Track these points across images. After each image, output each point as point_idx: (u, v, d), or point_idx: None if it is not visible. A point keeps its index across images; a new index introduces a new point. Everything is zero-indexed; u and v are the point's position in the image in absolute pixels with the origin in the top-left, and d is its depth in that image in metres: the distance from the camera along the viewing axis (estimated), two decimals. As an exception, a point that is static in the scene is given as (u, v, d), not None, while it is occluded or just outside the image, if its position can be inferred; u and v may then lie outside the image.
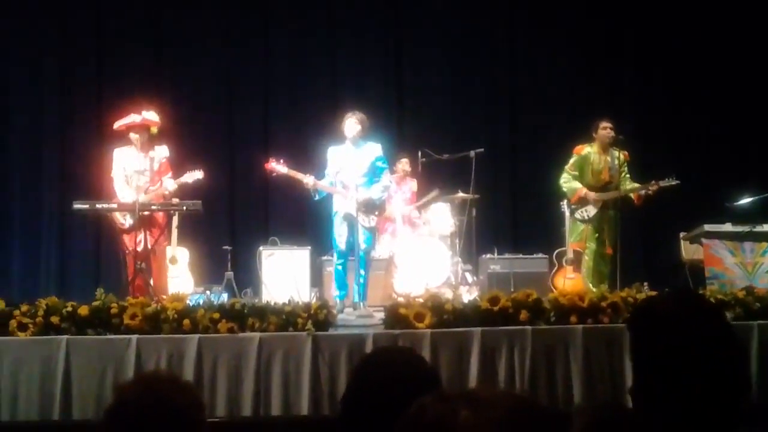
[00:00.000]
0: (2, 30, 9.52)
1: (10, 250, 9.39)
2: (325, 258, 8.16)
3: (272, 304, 6.05)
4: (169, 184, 7.38)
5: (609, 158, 7.89)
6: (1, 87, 9.53)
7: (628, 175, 7.89)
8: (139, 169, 7.36)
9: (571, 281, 8.03)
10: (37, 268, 9.38)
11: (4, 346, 5.55)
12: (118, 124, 7.41)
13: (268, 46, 10.15)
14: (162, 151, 7.44)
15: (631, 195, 7.79)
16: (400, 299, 6.25)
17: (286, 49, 10.13)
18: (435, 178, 9.05)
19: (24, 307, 5.76)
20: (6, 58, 9.53)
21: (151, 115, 7.39)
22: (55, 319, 5.69)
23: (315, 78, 10.14)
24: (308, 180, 7.33)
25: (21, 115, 9.62)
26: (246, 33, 10.15)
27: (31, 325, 5.67)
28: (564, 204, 8.25)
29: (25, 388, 5.46)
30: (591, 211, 7.83)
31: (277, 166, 7.50)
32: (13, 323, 5.66)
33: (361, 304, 7.19)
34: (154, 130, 7.39)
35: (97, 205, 7.17)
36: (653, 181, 7.75)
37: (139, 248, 7.16)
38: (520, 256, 8.62)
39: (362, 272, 7.37)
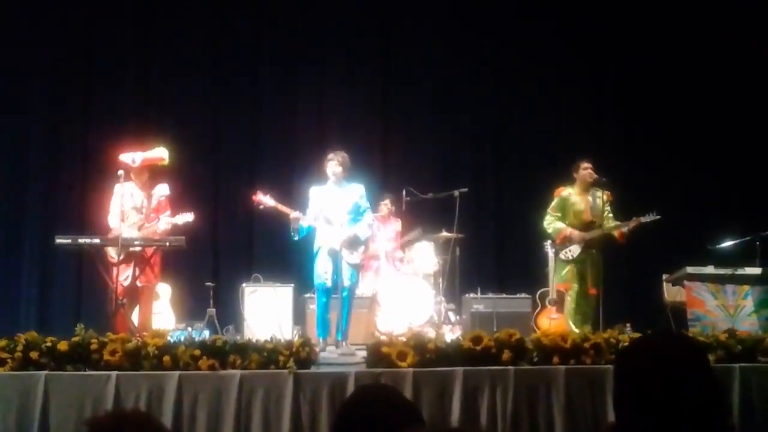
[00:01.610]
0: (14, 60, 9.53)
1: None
2: (308, 295, 8.14)
3: (254, 341, 6.01)
4: (161, 224, 7.38)
5: (590, 198, 7.93)
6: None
7: (610, 215, 7.93)
8: (137, 206, 7.36)
9: (554, 322, 8.03)
10: (17, 302, 9.30)
11: (-18, 380, 5.48)
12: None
13: (256, 84, 10.20)
14: (162, 189, 7.45)
15: (614, 233, 7.82)
16: (383, 338, 6.22)
17: (274, 87, 10.17)
18: (419, 217, 9.08)
19: (2, 342, 5.70)
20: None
21: (161, 152, 7.42)
22: (34, 355, 5.63)
23: (302, 116, 10.18)
24: (295, 214, 7.33)
25: (4, 147, 9.60)
26: (233, 70, 10.20)
27: (9, 360, 5.60)
28: (548, 245, 8.27)
29: (2, 424, 5.38)
30: (575, 251, 7.85)
31: (264, 198, 7.51)
32: (-9, 358, 5.60)
33: (344, 342, 7.16)
34: (164, 162, 7.41)
35: (80, 240, 7.14)
36: (634, 218, 7.79)
37: (126, 283, 7.13)
38: (504, 295, 8.63)
39: (345, 310, 7.35)
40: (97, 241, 7.15)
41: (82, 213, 7.55)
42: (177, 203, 7.63)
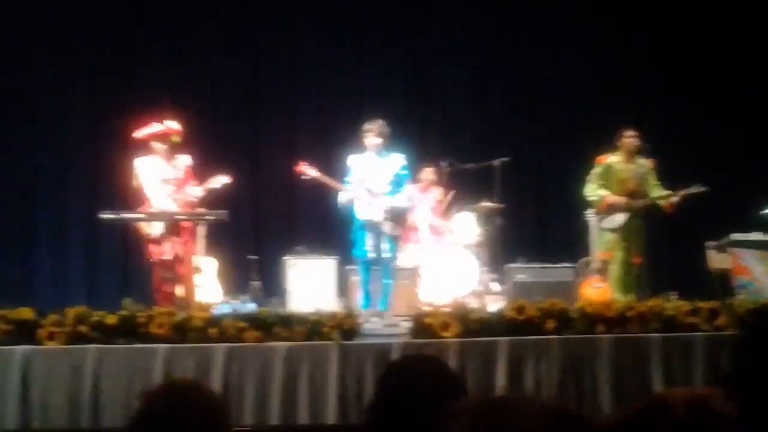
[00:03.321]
0: (30, 39, 9.61)
1: (38, 259, 9.48)
2: (350, 267, 8.17)
3: (298, 313, 6.06)
4: (195, 191, 7.42)
5: (635, 167, 7.85)
6: (30, 98, 9.63)
7: (657, 183, 7.84)
8: (165, 178, 7.41)
9: (597, 290, 7.98)
10: (66, 278, 9.46)
11: (35, 354, 5.59)
12: (139, 134, 7.43)
13: (295, 53, 10.19)
14: (184, 160, 7.48)
15: (661, 203, 7.73)
16: (427, 308, 6.24)
17: (313, 56, 10.17)
18: (459, 187, 9.05)
19: (53, 317, 5.80)
20: (34, 68, 9.63)
21: (172, 124, 7.43)
22: (83, 329, 5.73)
23: (341, 85, 10.17)
24: (340, 187, 7.33)
25: (48, 125, 9.72)
26: (273, 39, 10.19)
27: (60, 334, 5.71)
28: (589, 213, 8.21)
29: (55, 396, 5.50)
30: (619, 219, 7.78)
31: (308, 169, 7.52)
32: (42, 332, 5.71)
33: (387, 313, 7.20)
34: (176, 138, 7.42)
35: (124, 215, 7.23)
36: (682, 190, 7.69)
37: (166, 257, 7.21)
38: (547, 265, 8.59)
39: (387, 281, 7.38)
40: (140, 215, 7.23)
41: (125, 191, 7.65)
42: (217, 174, 7.69)
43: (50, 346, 5.66)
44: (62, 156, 9.67)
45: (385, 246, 7.35)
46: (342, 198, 7.36)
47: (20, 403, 5.46)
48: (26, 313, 5.82)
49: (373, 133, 7.39)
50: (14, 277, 9.06)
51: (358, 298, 7.63)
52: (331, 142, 9.21)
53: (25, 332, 5.72)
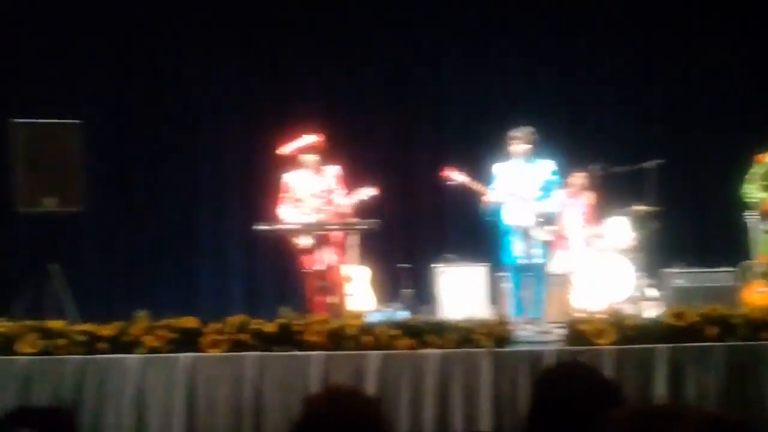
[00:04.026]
0: (186, 57, 10.00)
1: (200, 269, 9.88)
2: (501, 274, 8.13)
3: (450, 320, 6.08)
4: (343, 202, 7.58)
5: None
6: (190, 113, 10.02)
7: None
8: (314, 191, 7.60)
9: (761, 295, 7.63)
10: (226, 288, 9.82)
11: (198, 361, 5.82)
12: (286, 149, 7.66)
13: (441, 61, 10.23)
14: (334, 170, 7.66)
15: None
16: (580, 315, 6.13)
17: (459, 63, 10.18)
18: (611, 191, 8.85)
19: (215, 325, 6.02)
20: (191, 91, 10.02)
21: (316, 137, 7.64)
22: (244, 337, 5.92)
23: (487, 91, 10.13)
24: (487, 193, 7.32)
25: (206, 144, 10.10)
26: (418, 47, 10.25)
27: (222, 342, 5.92)
28: (749, 214, 7.88)
29: (218, 403, 5.70)
30: (782, 220, 7.44)
31: (454, 174, 7.55)
32: (204, 340, 5.93)
33: (539, 320, 7.12)
34: (320, 153, 7.63)
35: (277, 227, 7.48)
36: None
37: (318, 267, 7.39)
38: (705, 269, 8.28)
39: (538, 288, 7.31)
40: (293, 226, 7.45)
41: (277, 202, 7.92)
42: (365, 185, 7.82)
43: (212, 353, 5.87)
44: (220, 173, 10.03)
45: (536, 251, 7.28)
46: (488, 201, 7.34)
47: (186, 410, 5.69)
48: (190, 321, 6.06)
49: (520, 141, 7.35)
50: (178, 288, 9.48)
51: (509, 305, 7.57)
52: (478, 148, 9.19)
53: (188, 340, 5.95)
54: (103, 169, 9.20)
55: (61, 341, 5.94)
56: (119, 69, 9.83)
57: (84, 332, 6.01)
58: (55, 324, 6.12)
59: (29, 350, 5.89)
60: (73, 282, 7.28)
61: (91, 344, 5.95)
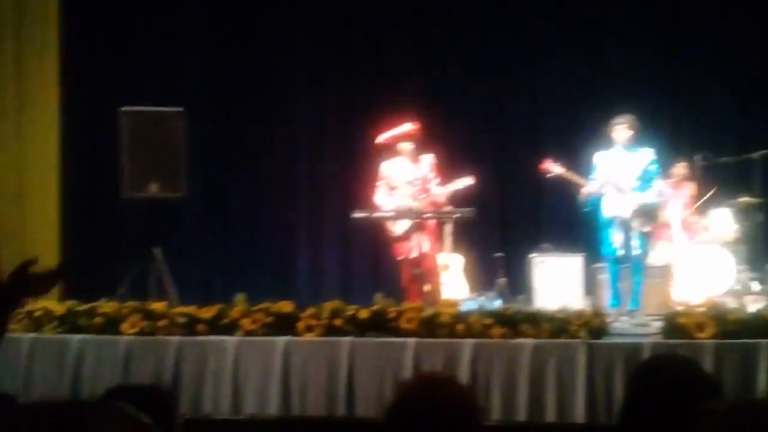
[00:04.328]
0: (286, 47, 10.13)
1: (297, 256, 10.02)
2: (598, 265, 8.01)
3: (545, 310, 6.03)
4: (438, 190, 7.60)
5: None
6: (290, 101, 10.15)
7: None
8: (409, 179, 7.63)
9: None
10: (322, 274, 9.94)
11: (294, 345, 5.92)
12: (383, 137, 7.73)
13: (539, 49, 10.10)
14: (429, 159, 7.68)
15: None
16: (680, 308, 6.00)
17: (557, 52, 10.03)
18: (714, 181, 8.61)
19: (310, 310, 6.12)
20: (289, 81, 10.14)
21: (413, 125, 7.68)
22: (338, 322, 6.00)
23: (586, 81, 9.96)
24: (585, 184, 7.23)
25: (304, 132, 10.22)
26: (515, 36, 10.15)
27: (317, 327, 6.01)
28: None
29: (312, 386, 5.80)
30: None
31: (553, 167, 7.48)
32: (300, 325, 6.03)
33: (637, 312, 7.00)
34: (417, 142, 7.65)
35: (374, 214, 7.54)
36: None
37: (412, 255, 7.43)
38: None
39: (637, 279, 7.18)
40: (390, 214, 7.50)
41: (373, 190, 7.98)
42: (460, 174, 7.81)
43: (308, 337, 5.97)
44: (317, 161, 10.14)
45: (635, 243, 7.15)
46: (586, 193, 7.25)
47: (281, 391, 5.80)
48: (286, 306, 6.17)
49: (622, 126, 7.22)
50: (275, 273, 9.64)
51: (606, 296, 7.46)
52: (577, 139, 9.05)
53: (285, 324, 6.06)
54: (205, 156, 9.41)
55: (162, 322, 6.13)
56: (221, 58, 10.03)
57: (184, 314, 6.19)
58: (157, 306, 6.31)
59: (132, 330, 6.10)
60: (175, 265, 7.48)
61: (190, 326, 6.12)
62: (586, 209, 7.33)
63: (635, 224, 7.16)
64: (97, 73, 9.41)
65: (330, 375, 5.76)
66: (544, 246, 8.65)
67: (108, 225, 9.27)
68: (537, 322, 5.82)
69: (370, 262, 9.67)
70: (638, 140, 7.29)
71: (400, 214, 7.47)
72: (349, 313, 6.04)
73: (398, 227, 7.52)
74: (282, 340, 5.92)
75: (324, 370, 5.79)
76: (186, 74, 9.78)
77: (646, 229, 7.28)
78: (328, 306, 6.10)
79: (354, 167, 9.39)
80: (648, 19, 10.02)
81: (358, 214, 7.49)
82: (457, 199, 7.80)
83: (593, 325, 5.75)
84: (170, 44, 9.76)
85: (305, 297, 7.70)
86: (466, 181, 7.68)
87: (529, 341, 5.70)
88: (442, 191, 7.64)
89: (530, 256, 8.45)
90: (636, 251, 7.16)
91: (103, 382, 5.35)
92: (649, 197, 7.23)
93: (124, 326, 6.13)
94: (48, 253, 8.58)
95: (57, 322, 6.26)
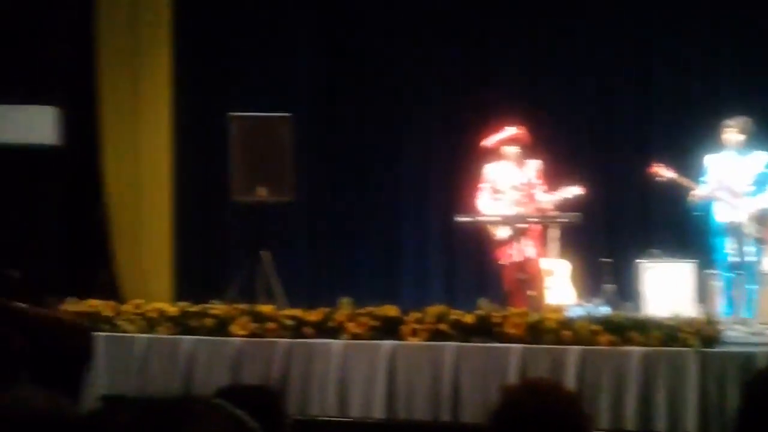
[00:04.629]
0: (392, 52, 10.17)
1: (402, 261, 10.06)
2: (710, 271, 7.79)
3: (654, 318, 5.91)
4: (544, 197, 7.53)
5: None
6: (396, 106, 10.19)
7: None
8: (514, 184, 7.58)
9: None
10: (426, 278, 9.95)
11: (399, 349, 5.95)
12: (490, 141, 7.70)
13: (649, 53, 9.89)
14: (535, 165, 7.62)
15: None
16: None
17: (667, 55, 9.81)
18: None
19: (415, 315, 6.14)
20: (399, 77, 10.17)
21: (520, 130, 7.63)
22: (443, 326, 6.00)
23: (696, 84, 9.70)
24: (695, 187, 7.06)
25: (409, 136, 10.26)
26: (624, 40, 9.95)
27: (421, 331, 6.02)
28: None
29: (417, 390, 5.82)
30: None
31: (663, 170, 7.34)
32: (405, 329, 6.05)
33: (752, 320, 6.78)
34: (523, 146, 7.59)
35: (478, 218, 7.51)
36: None
37: (516, 259, 7.37)
38: None
39: (752, 287, 6.96)
40: (495, 218, 7.46)
41: (477, 194, 7.98)
42: (568, 178, 7.71)
43: (412, 341, 5.99)
44: (422, 164, 10.17)
45: (749, 249, 6.94)
46: (696, 196, 7.07)
47: (386, 394, 5.84)
48: (391, 310, 6.21)
49: (735, 130, 7.03)
50: (381, 277, 9.70)
51: (719, 304, 7.26)
52: (687, 142, 8.83)
53: (390, 328, 6.10)
54: (311, 160, 9.55)
55: (270, 325, 6.25)
56: (328, 65, 10.16)
57: (292, 317, 6.29)
58: (266, 308, 6.44)
59: (241, 332, 6.24)
60: (282, 268, 7.61)
61: (297, 328, 6.23)
62: (696, 213, 7.15)
63: (749, 230, 6.95)
64: (208, 78, 9.66)
65: (434, 379, 5.78)
66: (654, 251, 8.47)
67: (217, 228, 9.50)
68: (646, 329, 5.70)
69: (474, 267, 9.63)
70: (752, 143, 7.07)
71: (505, 219, 7.43)
72: (454, 317, 6.03)
73: (502, 231, 7.48)
74: (387, 343, 5.96)
75: (429, 374, 5.80)
76: (293, 80, 9.95)
77: (762, 234, 7.05)
78: (433, 310, 6.11)
79: (459, 171, 9.37)
80: (760, 15, 9.69)
81: (462, 218, 7.48)
82: (564, 203, 7.71)
83: (705, 334, 5.60)
84: (278, 50, 9.93)
85: (410, 301, 7.73)
86: (574, 191, 7.59)
87: (638, 349, 5.59)
88: (548, 198, 7.56)
89: (638, 261, 8.28)
90: (750, 257, 6.95)
91: (213, 382, 5.50)
92: (763, 202, 7.00)
93: (234, 328, 6.28)
94: (161, 252, 8.87)
95: (170, 323, 6.45)
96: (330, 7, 10.17)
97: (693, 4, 9.78)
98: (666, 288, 7.94)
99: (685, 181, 7.21)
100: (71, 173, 8.98)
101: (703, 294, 7.93)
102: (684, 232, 8.65)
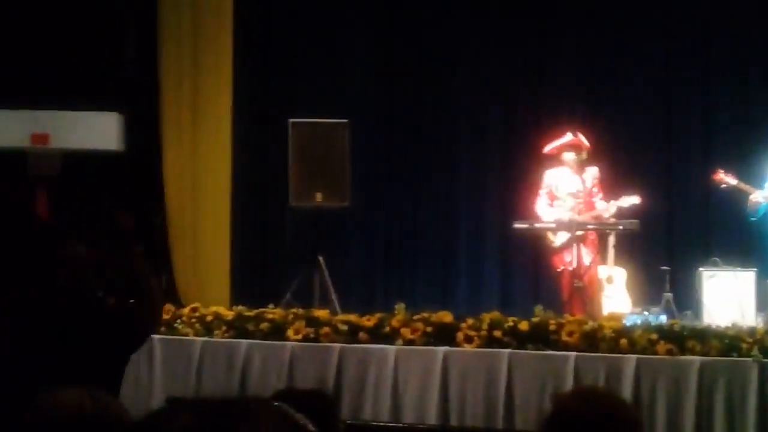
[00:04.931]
0: (448, 58, 10.18)
1: (457, 268, 10.04)
2: (772, 281, 7.63)
3: (714, 327, 5.81)
4: (602, 205, 7.46)
5: None
6: (452, 111, 10.19)
7: None
8: (572, 191, 7.52)
9: None
10: (481, 284, 9.92)
11: (453, 355, 5.95)
12: (550, 147, 7.66)
13: (709, 58, 9.74)
14: (593, 172, 7.56)
15: None
16: None
17: (727, 59, 9.65)
18: None
19: (469, 321, 6.13)
20: (455, 82, 10.17)
21: (581, 138, 7.58)
22: (497, 333, 5.98)
23: (759, 87, 9.52)
24: (754, 195, 6.95)
25: (467, 141, 10.25)
26: (684, 44, 9.83)
27: (476, 338, 6.01)
28: None
29: (471, 396, 5.81)
30: None
31: (726, 178, 7.23)
32: (459, 335, 6.05)
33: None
34: (584, 155, 7.54)
35: (536, 225, 7.47)
36: None
37: (572, 267, 7.31)
38: None
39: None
40: (552, 225, 7.41)
41: (533, 202, 7.94)
42: (627, 185, 7.63)
43: (467, 348, 5.99)
44: (480, 169, 10.14)
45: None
46: (755, 202, 6.94)
47: (440, 400, 5.84)
48: (446, 316, 6.21)
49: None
50: (435, 283, 9.69)
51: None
52: (749, 148, 8.68)
53: (444, 334, 6.11)
54: (368, 166, 9.59)
55: (325, 329, 6.29)
56: (386, 71, 10.19)
57: (346, 322, 6.33)
58: (321, 313, 6.49)
59: (296, 336, 6.29)
60: (337, 273, 7.65)
61: (352, 333, 6.26)
62: (753, 218, 7.02)
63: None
64: (268, 84, 9.76)
65: (489, 386, 5.76)
66: (714, 260, 8.32)
67: (275, 232, 9.59)
68: (705, 339, 5.62)
69: (530, 273, 9.57)
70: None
71: (562, 225, 7.38)
72: (509, 324, 6.01)
73: (558, 238, 7.43)
74: (441, 350, 5.96)
75: (483, 381, 5.79)
76: (352, 86, 10.00)
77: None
78: (488, 317, 6.10)
79: (516, 177, 9.33)
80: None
81: (519, 225, 7.45)
82: (623, 210, 7.63)
83: (766, 343, 5.50)
84: (337, 57, 10.01)
85: (464, 307, 7.71)
86: (632, 200, 7.50)
87: (697, 359, 5.51)
88: (605, 207, 7.49)
89: (698, 270, 8.15)
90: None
91: (268, 386, 5.56)
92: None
93: (290, 332, 6.33)
94: (219, 256, 8.98)
95: (226, 327, 6.52)
96: (388, 14, 10.21)
97: (755, 6, 9.61)
98: (726, 297, 7.80)
99: (748, 187, 7.09)
100: (133, 179, 9.13)
101: (764, 303, 7.78)
102: (745, 240, 8.49)
